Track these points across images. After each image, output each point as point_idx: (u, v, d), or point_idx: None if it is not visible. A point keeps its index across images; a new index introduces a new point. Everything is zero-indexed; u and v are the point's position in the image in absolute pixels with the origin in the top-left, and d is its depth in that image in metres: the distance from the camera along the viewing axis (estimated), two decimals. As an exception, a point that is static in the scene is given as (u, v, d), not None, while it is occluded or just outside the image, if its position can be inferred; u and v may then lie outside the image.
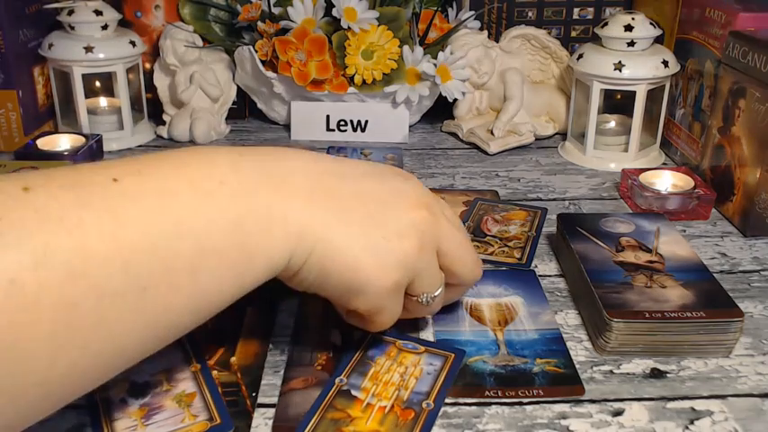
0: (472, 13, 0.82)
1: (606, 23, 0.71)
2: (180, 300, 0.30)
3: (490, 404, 0.39)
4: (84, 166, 0.31)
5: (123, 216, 0.28)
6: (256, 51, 0.76)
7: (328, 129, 0.79)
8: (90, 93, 0.77)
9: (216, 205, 0.32)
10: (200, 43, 0.80)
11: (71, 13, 0.73)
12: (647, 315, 0.42)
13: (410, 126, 0.81)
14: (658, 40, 0.72)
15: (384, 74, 0.76)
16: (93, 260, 0.27)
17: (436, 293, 0.40)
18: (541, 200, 0.65)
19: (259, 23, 0.77)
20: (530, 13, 0.85)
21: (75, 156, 0.67)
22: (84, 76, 0.74)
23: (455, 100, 0.79)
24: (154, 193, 0.30)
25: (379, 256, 0.36)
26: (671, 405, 0.39)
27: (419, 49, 0.76)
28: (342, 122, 0.78)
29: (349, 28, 0.74)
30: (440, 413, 0.38)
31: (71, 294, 0.26)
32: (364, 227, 0.36)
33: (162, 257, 0.29)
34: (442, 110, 0.82)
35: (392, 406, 0.37)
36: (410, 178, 0.40)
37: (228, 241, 0.32)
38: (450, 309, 0.47)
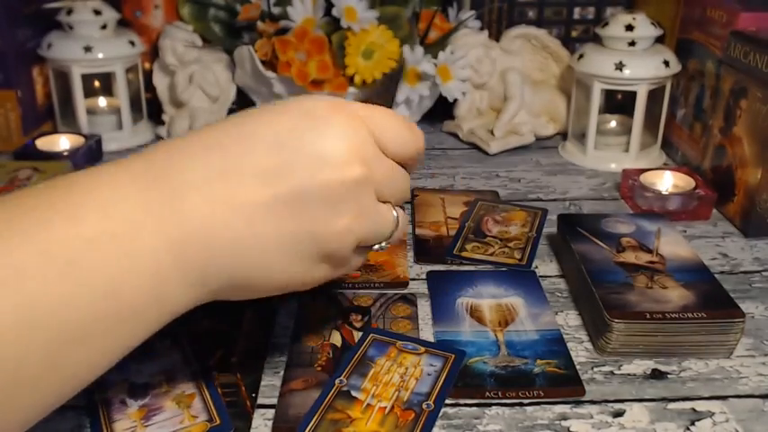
0: (473, 12, 0.82)
1: (607, 23, 0.71)
2: (40, 391, 0.26)
3: (490, 405, 0.39)
4: None
5: None
6: (256, 51, 0.76)
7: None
8: (89, 93, 0.76)
9: (86, 271, 0.26)
10: (200, 43, 0.80)
11: (70, 12, 0.72)
12: (648, 316, 0.42)
13: (410, 126, 0.81)
14: (659, 39, 0.72)
15: (384, 74, 0.75)
16: None
17: (393, 235, 0.36)
18: (542, 200, 0.65)
19: (259, 23, 0.77)
20: (530, 13, 0.85)
21: (75, 156, 0.67)
22: (83, 75, 0.74)
23: (455, 100, 0.79)
24: (3, 273, 0.24)
25: (309, 260, 0.31)
26: (672, 406, 0.39)
27: (419, 49, 0.76)
28: (342, 122, 0.78)
29: (349, 28, 0.74)
30: (440, 414, 0.38)
31: None
32: (285, 231, 0.30)
33: (11, 354, 0.24)
34: (442, 110, 0.82)
35: (392, 407, 0.37)
36: (330, 117, 0.31)
37: (104, 310, 0.26)
38: (450, 309, 0.46)
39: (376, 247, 0.36)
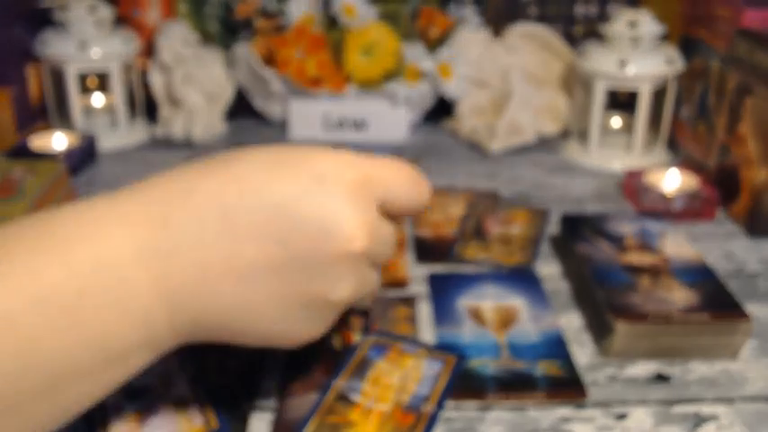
0: (474, 9, 0.81)
1: (610, 20, 0.70)
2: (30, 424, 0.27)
3: (491, 408, 0.38)
4: None
5: None
6: (254, 49, 0.75)
7: (327, 127, 0.78)
8: (84, 91, 0.76)
9: (79, 320, 0.26)
10: (197, 41, 0.79)
11: (65, 9, 0.72)
12: (652, 317, 0.41)
13: (410, 125, 0.80)
14: (663, 37, 0.71)
15: (383, 72, 0.75)
16: None
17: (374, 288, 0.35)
18: (544, 200, 0.64)
19: (256, 20, 0.76)
20: (532, 10, 0.84)
21: (69, 155, 0.66)
22: (78, 73, 0.73)
23: (456, 98, 0.78)
24: None
25: (299, 323, 0.31)
26: (676, 409, 0.38)
27: (419, 47, 0.75)
28: (340, 121, 0.77)
29: (348, 25, 0.74)
30: (440, 417, 0.37)
31: None
32: (278, 296, 0.30)
33: (7, 395, 0.25)
34: (442, 108, 0.81)
35: (392, 410, 0.37)
36: (340, 185, 0.30)
37: (94, 356, 0.27)
38: (451, 311, 0.46)
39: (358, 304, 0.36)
